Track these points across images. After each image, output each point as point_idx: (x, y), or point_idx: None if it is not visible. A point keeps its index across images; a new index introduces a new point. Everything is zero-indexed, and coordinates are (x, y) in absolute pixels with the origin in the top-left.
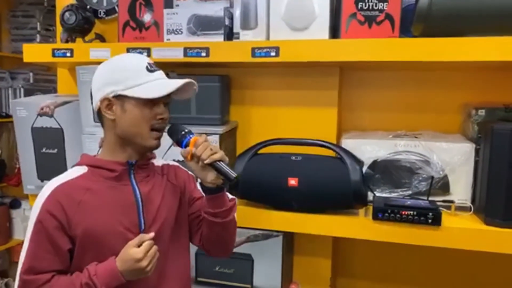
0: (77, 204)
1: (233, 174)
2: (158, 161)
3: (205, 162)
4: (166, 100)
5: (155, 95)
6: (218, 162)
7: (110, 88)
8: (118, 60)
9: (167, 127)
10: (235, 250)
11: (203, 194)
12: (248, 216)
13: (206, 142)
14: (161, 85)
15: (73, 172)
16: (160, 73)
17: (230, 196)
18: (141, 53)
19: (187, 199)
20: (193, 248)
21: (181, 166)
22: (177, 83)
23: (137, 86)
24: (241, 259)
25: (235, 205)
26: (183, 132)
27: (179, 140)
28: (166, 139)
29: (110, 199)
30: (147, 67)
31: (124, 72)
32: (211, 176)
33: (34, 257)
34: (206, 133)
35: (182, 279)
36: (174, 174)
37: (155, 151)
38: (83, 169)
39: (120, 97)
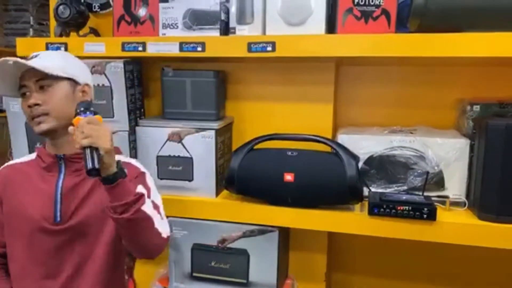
0: (12, 184)
1: (90, 165)
2: (120, 158)
3: (75, 146)
4: (37, 84)
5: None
6: (87, 149)
7: None
8: None
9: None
10: (230, 245)
11: (143, 192)
12: (243, 212)
13: (89, 125)
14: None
15: (25, 157)
16: (27, 62)
17: (138, 190)
18: (136, 48)
19: None
20: (188, 244)
21: (133, 163)
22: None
23: None
24: (236, 254)
25: (140, 200)
26: (77, 110)
27: (82, 110)
28: (159, 135)
29: (37, 188)
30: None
31: None
32: None
33: None
34: (201, 129)
35: (101, 278)
36: (129, 173)
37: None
38: (32, 156)
39: None
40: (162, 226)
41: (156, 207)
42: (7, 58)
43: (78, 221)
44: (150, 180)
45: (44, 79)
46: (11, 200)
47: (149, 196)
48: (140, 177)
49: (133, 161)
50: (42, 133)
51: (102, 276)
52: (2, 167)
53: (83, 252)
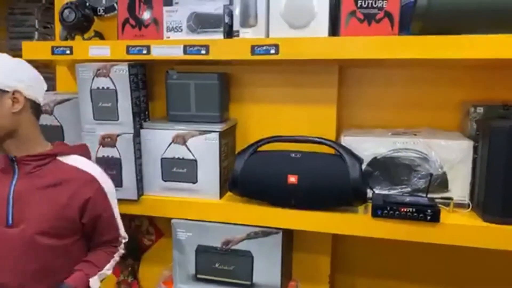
0: None
1: None
2: (75, 161)
3: None
4: None
5: None
6: None
7: None
8: None
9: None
10: (234, 247)
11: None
12: (247, 213)
13: None
14: None
15: None
16: None
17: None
18: (140, 51)
19: (80, 211)
20: (192, 245)
21: (95, 175)
22: None
23: None
24: (240, 256)
25: None
26: None
27: None
28: (163, 138)
29: None
30: None
31: None
32: None
33: None
34: (205, 131)
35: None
36: (79, 182)
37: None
38: None
39: None
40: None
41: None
42: None
43: (27, 224)
44: (110, 195)
45: None
46: None
47: (113, 215)
48: (103, 198)
49: (97, 173)
50: None
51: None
52: None
53: (41, 258)
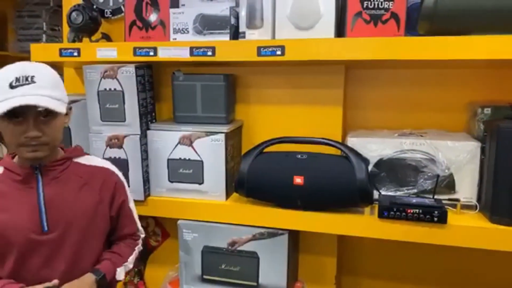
0: None
1: None
2: (88, 160)
3: None
4: (38, 115)
5: None
6: None
7: None
8: None
9: None
10: (240, 248)
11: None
12: (253, 214)
13: None
14: (6, 105)
15: None
16: (25, 89)
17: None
18: (147, 52)
19: (109, 205)
20: (198, 246)
21: (110, 168)
22: (10, 105)
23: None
24: (246, 257)
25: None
26: None
27: None
28: (170, 139)
29: (16, 201)
30: (11, 83)
31: None
32: None
33: None
34: (211, 132)
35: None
36: (102, 179)
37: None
38: (0, 169)
39: None
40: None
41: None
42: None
43: (63, 229)
44: (127, 187)
45: (47, 115)
46: None
47: (130, 207)
48: (123, 187)
49: (108, 167)
50: (35, 159)
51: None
52: None
53: (70, 257)
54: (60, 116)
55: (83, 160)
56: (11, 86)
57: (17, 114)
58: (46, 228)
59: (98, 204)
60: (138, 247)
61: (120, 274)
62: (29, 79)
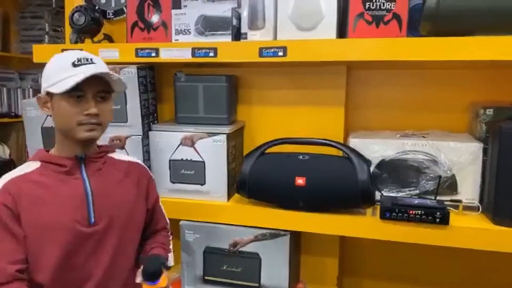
0: (28, 197)
1: None
2: (120, 156)
3: None
4: (98, 94)
5: (62, 89)
6: None
7: (43, 85)
8: (53, 58)
9: (147, 259)
10: (242, 249)
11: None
12: (255, 215)
13: None
14: (74, 80)
15: (25, 167)
16: (87, 67)
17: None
18: (149, 53)
19: (145, 198)
20: (200, 247)
21: (142, 164)
22: (81, 76)
23: (58, 82)
24: (248, 258)
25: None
26: (149, 271)
27: (152, 276)
28: (172, 140)
29: (61, 193)
30: (73, 62)
31: (51, 68)
32: None
33: None
34: (213, 133)
35: (128, 271)
36: (136, 172)
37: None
38: (35, 164)
39: (49, 94)
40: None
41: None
42: (106, 72)
43: (108, 221)
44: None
45: (105, 91)
46: (32, 213)
47: (158, 202)
48: (153, 181)
49: (139, 162)
50: (89, 139)
51: (131, 268)
52: (4, 182)
53: (112, 250)
54: (111, 99)
55: (114, 155)
56: (74, 65)
57: (78, 91)
58: (93, 220)
59: (137, 197)
60: (171, 238)
61: (171, 260)
62: (89, 60)
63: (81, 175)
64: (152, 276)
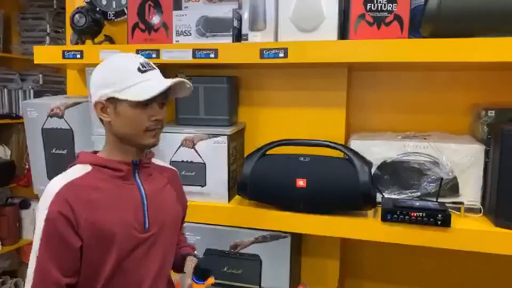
0: (86, 203)
1: None
2: (157, 161)
3: None
4: (161, 100)
5: (144, 97)
6: None
7: (102, 91)
8: (111, 62)
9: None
10: (243, 250)
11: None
12: (256, 217)
13: None
14: (152, 86)
15: (76, 171)
16: (153, 73)
17: None
18: (150, 55)
19: (182, 204)
20: (201, 249)
21: (175, 169)
22: (166, 84)
23: (128, 88)
24: (249, 260)
25: None
26: (200, 273)
27: (205, 275)
28: (172, 141)
29: (118, 198)
30: (139, 67)
31: (115, 74)
32: None
33: (50, 258)
34: (214, 134)
35: (169, 275)
36: (173, 176)
37: (155, 153)
38: (86, 168)
39: (112, 100)
40: None
41: None
42: (184, 80)
43: (159, 227)
44: None
45: (164, 102)
46: (90, 219)
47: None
48: (182, 188)
49: (173, 168)
50: (153, 145)
51: (168, 273)
52: (58, 188)
53: (161, 256)
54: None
55: (154, 160)
56: (141, 71)
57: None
58: (147, 226)
59: (177, 202)
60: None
61: None
62: (151, 65)
63: (136, 180)
64: (205, 274)
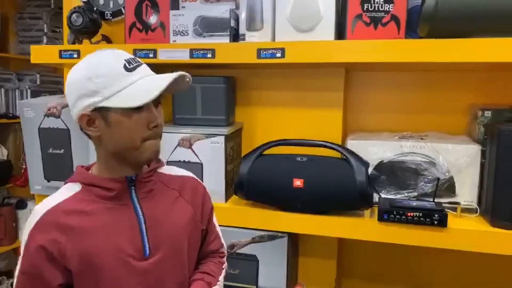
0: (70, 231)
1: None
2: (169, 170)
3: None
4: (156, 100)
5: (141, 101)
6: None
7: (86, 101)
8: (91, 64)
9: None
10: (240, 250)
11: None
12: (253, 217)
13: None
14: (145, 87)
15: (64, 192)
16: (142, 70)
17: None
18: (147, 54)
19: (201, 218)
20: None
21: (196, 178)
22: (164, 82)
23: (117, 93)
24: (246, 260)
25: None
26: None
27: None
28: (169, 141)
29: (108, 222)
30: (125, 66)
31: (100, 78)
32: None
33: None
34: (211, 134)
35: None
36: (191, 188)
37: (164, 160)
38: (76, 187)
39: (100, 110)
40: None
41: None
42: (183, 73)
43: (164, 252)
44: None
45: (159, 103)
46: (77, 248)
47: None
48: (208, 194)
49: (194, 176)
50: (154, 158)
51: None
52: (41, 213)
53: (178, 281)
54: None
55: (165, 170)
56: (128, 69)
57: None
58: (148, 252)
59: (193, 218)
60: (225, 266)
61: None
62: (137, 60)
63: (131, 200)
64: None
